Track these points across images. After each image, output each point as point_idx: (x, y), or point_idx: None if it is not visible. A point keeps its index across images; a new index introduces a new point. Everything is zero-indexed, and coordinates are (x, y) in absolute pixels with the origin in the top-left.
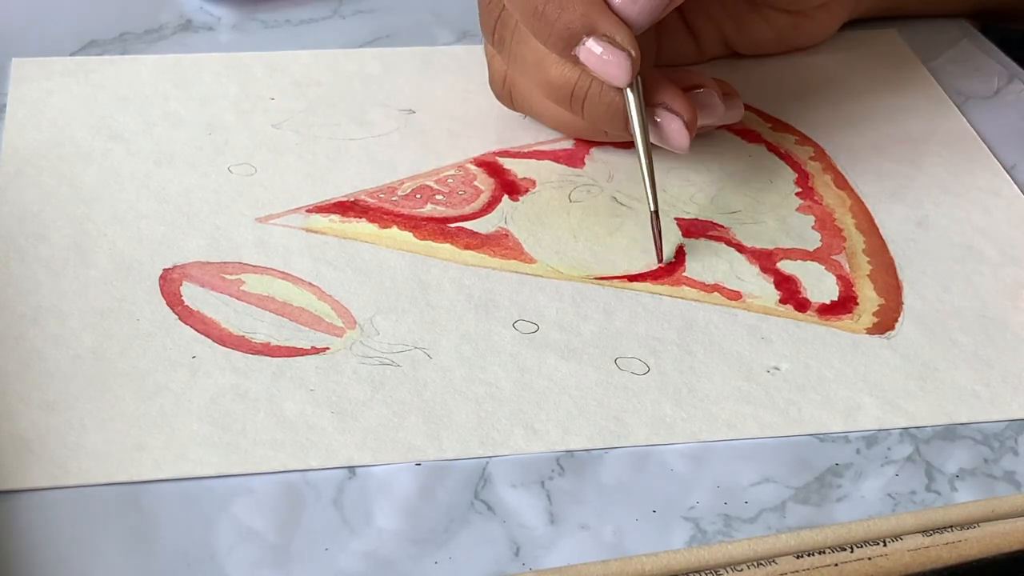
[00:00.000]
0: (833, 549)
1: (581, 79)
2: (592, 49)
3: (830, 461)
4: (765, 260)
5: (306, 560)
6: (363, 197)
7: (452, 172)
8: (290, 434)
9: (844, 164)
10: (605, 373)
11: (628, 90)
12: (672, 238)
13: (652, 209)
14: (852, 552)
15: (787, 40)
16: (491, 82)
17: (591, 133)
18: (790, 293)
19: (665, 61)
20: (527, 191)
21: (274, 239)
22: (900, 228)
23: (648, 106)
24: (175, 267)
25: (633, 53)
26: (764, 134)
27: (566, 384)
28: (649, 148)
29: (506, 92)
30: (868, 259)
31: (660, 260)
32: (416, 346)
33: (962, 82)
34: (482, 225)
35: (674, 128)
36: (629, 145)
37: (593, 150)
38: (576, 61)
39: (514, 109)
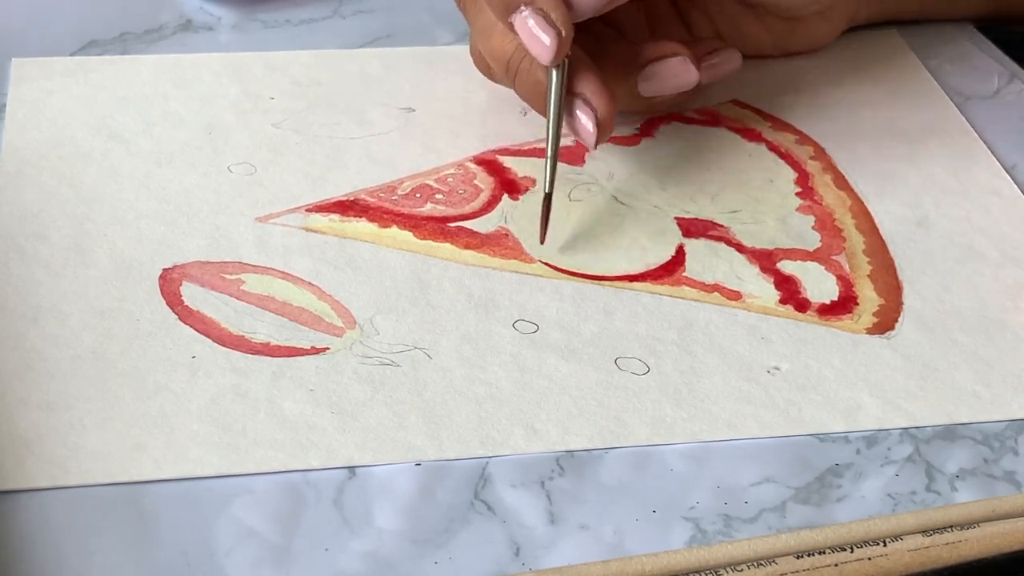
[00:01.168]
0: (833, 549)
1: (516, 52)
2: (526, 20)
3: (830, 461)
4: (765, 260)
5: (306, 560)
6: (363, 196)
7: (452, 171)
8: (290, 434)
9: (844, 164)
10: (605, 373)
11: (553, 71)
12: (672, 238)
13: (546, 191)
14: (852, 552)
15: (784, 45)
16: (471, 51)
17: (532, 105)
18: (790, 293)
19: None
20: (527, 190)
21: (274, 239)
22: (900, 228)
23: (568, 94)
24: (175, 267)
25: (563, 33)
26: (764, 133)
27: (566, 384)
28: (559, 131)
29: (480, 60)
30: (868, 259)
31: (542, 242)
32: (416, 346)
33: (962, 82)
34: (482, 224)
35: (584, 124)
36: (630, 142)
37: None
38: (512, 29)
39: (490, 78)
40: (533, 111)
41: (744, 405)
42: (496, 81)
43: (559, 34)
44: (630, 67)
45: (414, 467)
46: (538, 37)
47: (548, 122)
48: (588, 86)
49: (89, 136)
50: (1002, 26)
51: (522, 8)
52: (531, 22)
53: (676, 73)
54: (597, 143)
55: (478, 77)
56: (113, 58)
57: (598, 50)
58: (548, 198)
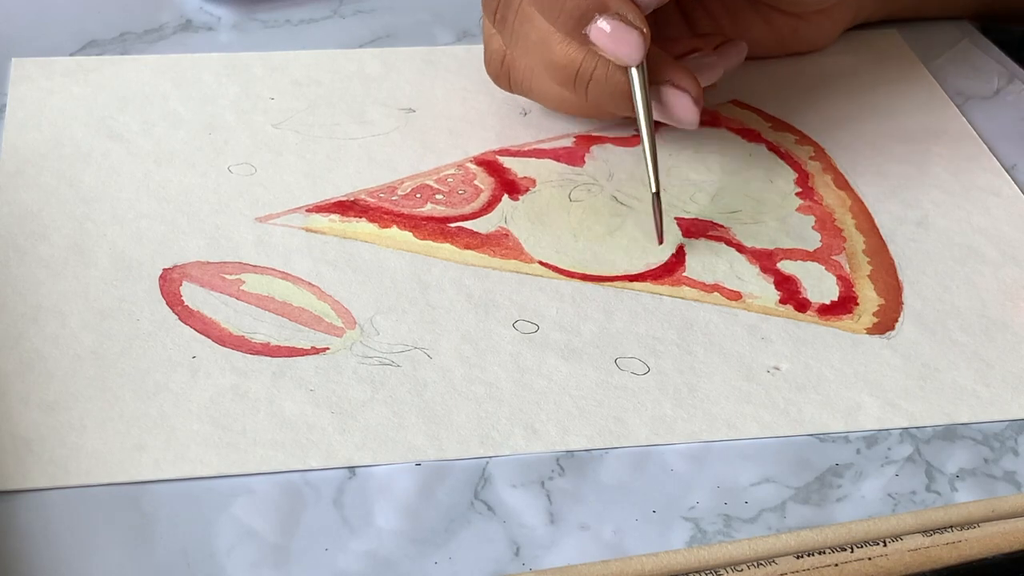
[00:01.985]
0: (833, 549)
1: (587, 59)
2: (603, 28)
3: (830, 461)
4: (765, 260)
5: (306, 560)
6: (363, 197)
7: (452, 171)
8: (290, 434)
9: (844, 164)
10: (605, 373)
11: (634, 69)
12: (672, 238)
13: (654, 191)
14: (852, 552)
15: (785, 43)
16: (487, 63)
17: (592, 112)
18: (790, 293)
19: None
20: (527, 190)
21: (274, 239)
22: (900, 228)
23: (653, 84)
24: (175, 267)
25: (644, 31)
26: (764, 133)
27: (566, 384)
28: (652, 128)
29: (504, 73)
30: (868, 259)
31: (660, 241)
32: (416, 346)
33: (962, 82)
34: (482, 225)
35: (683, 104)
36: (630, 143)
37: (594, 148)
38: (585, 40)
39: (510, 91)
40: (534, 111)
41: (744, 405)
42: (520, 91)
43: (641, 32)
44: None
45: (414, 467)
46: (623, 39)
47: (640, 120)
48: (671, 71)
49: (89, 136)
50: (1001, 25)
51: (596, 16)
52: (609, 28)
53: (706, 68)
54: (697, 121)
55: (478, 77)
56: (113, 58)
57: None
58: (657, 196)
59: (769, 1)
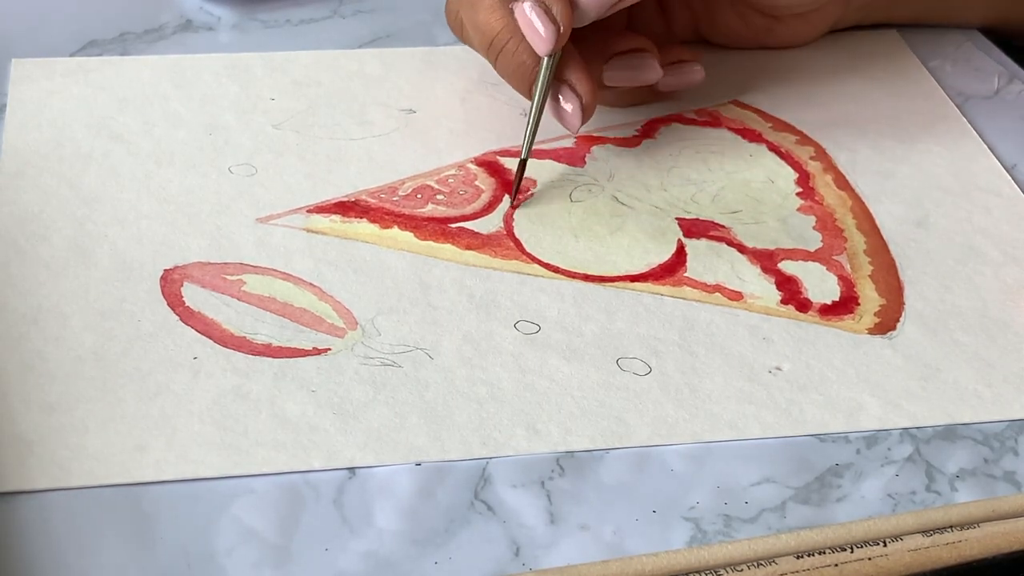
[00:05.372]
0: (833, 549)
1: (502, 32)
2: (526, 11)
3: (830, 461)
4: (766, 261)
5: (306, 560)
6: (364, 197)
7: (453, 172)
8: (292, 435)
9: (844, 164)
10: (607, 374)
11: (544, 58)
12: (673, 238)
13: (522, 157)
14: (852, 552)
15: (762, 40)
16: (447, 11)
17: (502, 78)
18: (791, 293)
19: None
20: (528, 191)
21: (275, 239)
22: (901, 228)
23: (556, 79)
24: (176, 268)
25: (561, 29)
26: (765, 133)
27: (568, 385)
28: (542, 110)
29: (457, 23)
30: (869, 259)
31: (512, 206)
32: (417, 347)
33: (962, 82)
34: (483, 225)
35: (569, 110)
36: (631, 143)
37: (594, 148)
38: (509, 14)
39: (463, 42)
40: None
41: (746, 405)
42: (465, 42)
43: (558, 30)
44: (600, 56)
45: (414, 467)
46: (538, 29)
47: (533, 102)
48: (574, 73)
49: (89, 136)
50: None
51: None
52: (533, 13)
53: (640, 67)
54: (578, 128)
55: (478, 77)
56: (113, 58)
57: (575, 34)
58: (523, 164)
59: (745, 1)
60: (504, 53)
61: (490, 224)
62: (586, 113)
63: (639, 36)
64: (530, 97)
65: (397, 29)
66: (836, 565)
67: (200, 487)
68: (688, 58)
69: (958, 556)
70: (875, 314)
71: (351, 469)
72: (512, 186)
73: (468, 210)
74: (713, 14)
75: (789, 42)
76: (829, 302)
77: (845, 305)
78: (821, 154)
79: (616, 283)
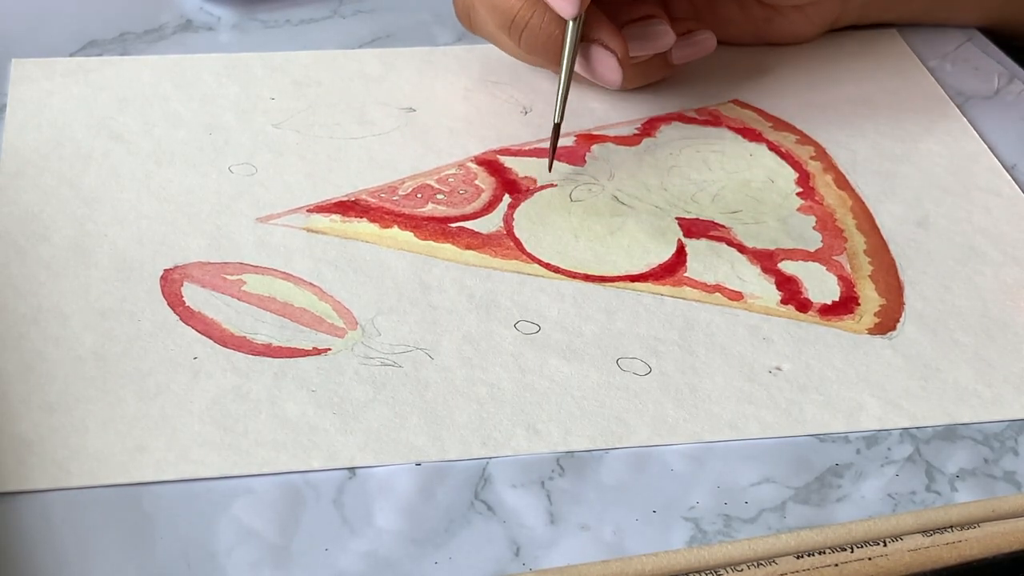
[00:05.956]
0: (833, 549)
1: (524, 8)
2: None
3: (830, 461)
4: (766, 261)
5: (306, 560)
6: (364, 197)
7: (453, 171)
8: (292, 435)
9: (845, 164)
10: (607, 374)
11: (570, 22)
12: (673, 238)
13: (556, 121)
14: (852, 552)
15: (759, 33)
16: (455, 2)
17: (524, 59)
18: (791, 294)
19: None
20: (528, 190)
21: (275, 239)
22: (901, 228)
23: (583, 41)
24: (176, 267)
25: None
26: (765, 133)
27: (568, 385)
28: (571, 72)
29: (465, 13)
30: (869, 259)
31: (550, 170)
32: (417, 347)
33: (962, 82)
34: (483, 225)
35: (608, 64)
36: (631, 142)
37: (595, 147)
38: None
39: (472, 31)
40: (535, 110)
41: (746, 405)
42: (475, 30)
43: None
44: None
45: (414, 467)
46: None
47: (563, 66)
48: (603, 31)
49: (89, 136)
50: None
51: None
52: None
53: (654, 34)
54: (619, 82)
55: (478, 77)
56: (113, 58)
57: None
58: (557, 127)
59: None
60: (529, 28)
61: (490, 224)
62: (624, 66)
63: (649, 3)
64: (557, 68)
65: (397, 29)
66: (836, 565)
67: (200, 487)
68: (694, 27)
69: (958, 556)
70: (875, 314)
71: (351, 469)
72: (511, 185)
73: (468, 209)
74: (713, 7)
75: (787, 37)
76: (829, 302)
77: (845, 305)
78: (821, 154)
79: (616, 283)
